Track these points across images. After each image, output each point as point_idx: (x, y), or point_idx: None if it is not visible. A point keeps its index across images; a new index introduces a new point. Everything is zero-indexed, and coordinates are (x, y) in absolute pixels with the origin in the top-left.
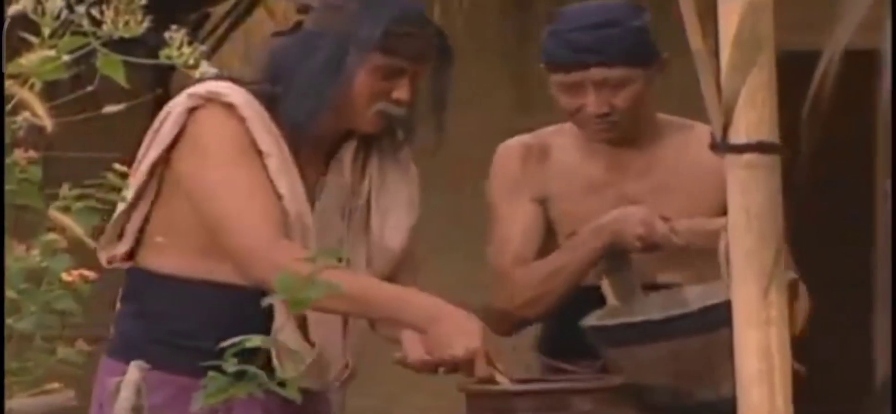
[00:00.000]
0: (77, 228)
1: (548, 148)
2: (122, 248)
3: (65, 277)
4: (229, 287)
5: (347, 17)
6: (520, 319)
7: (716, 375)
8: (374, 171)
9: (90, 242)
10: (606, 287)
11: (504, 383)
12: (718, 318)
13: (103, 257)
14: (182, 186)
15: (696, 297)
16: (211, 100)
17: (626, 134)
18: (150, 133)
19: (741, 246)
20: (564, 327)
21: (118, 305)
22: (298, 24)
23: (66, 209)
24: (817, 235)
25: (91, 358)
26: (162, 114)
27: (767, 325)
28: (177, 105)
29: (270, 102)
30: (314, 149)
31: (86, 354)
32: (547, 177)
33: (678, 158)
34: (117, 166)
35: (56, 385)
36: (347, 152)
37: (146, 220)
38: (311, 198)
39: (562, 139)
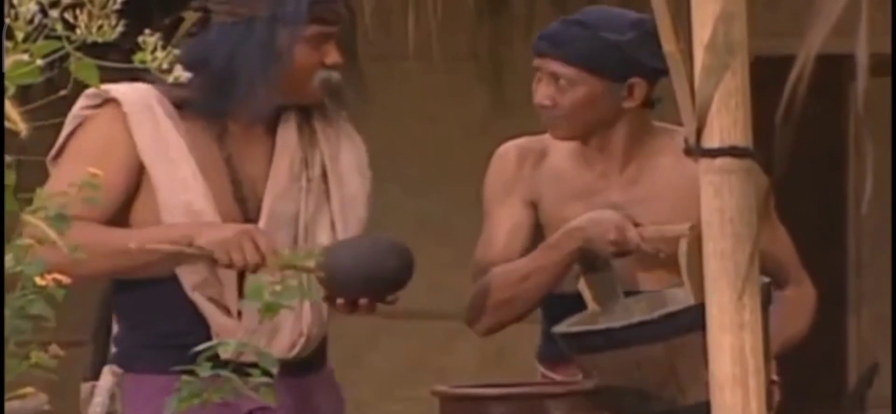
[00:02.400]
0: (51, 232)
1: (545, 151)
2: None
3: (39, 281)
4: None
5: (266, 1)
6: (495, 320)
7: (681, 381)
8: (324, 142)
9: (64, 247)
10: (584, 289)
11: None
12: (680, 324)
13: None
14: None
15: (679, 300)
16: (105, 99)
17: (584, 136)
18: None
19: (715, 250)
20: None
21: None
22: (206, 20)
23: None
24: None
25: (65, 363)
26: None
27: (741, 329)
28: (77, 104)
29: (184, 99)
30: (250, 131)
31: (59, 358)
32: (540, 180)
33: (672, 166)
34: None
35: (29, 390)
36: (289, 127)
37: None
38: (260, 178)
39: (561, 143)
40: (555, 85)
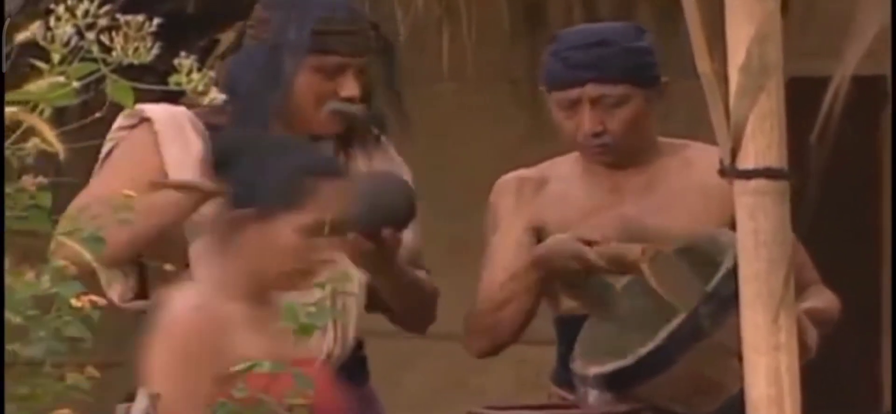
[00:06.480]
0: (86, 254)
1: (545, 178)
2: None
3: (74, 302)
4: None
5: (275, 26)
6: (487, 343)
7: (716, 379)
8: (363, 168)
9: (99, 268)
10: (580, 303)
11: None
12: (683, 339)
13: (115, 297)
14: None
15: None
16: (140, 118)
17: (625, 156)
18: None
19: (750, 271)
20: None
21: None
22: (239, 41)
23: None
24: (824, 261)
25: (100, 384)
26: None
27: (776, 350)
28: (115, 124)
29: (218, 123)
30: None
31: (95, 380)
32: (543, 205)
33: (678, 177)
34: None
35: (65, 411)
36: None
37: None
38: None
39: (560, 169)
40: (600, 109)
